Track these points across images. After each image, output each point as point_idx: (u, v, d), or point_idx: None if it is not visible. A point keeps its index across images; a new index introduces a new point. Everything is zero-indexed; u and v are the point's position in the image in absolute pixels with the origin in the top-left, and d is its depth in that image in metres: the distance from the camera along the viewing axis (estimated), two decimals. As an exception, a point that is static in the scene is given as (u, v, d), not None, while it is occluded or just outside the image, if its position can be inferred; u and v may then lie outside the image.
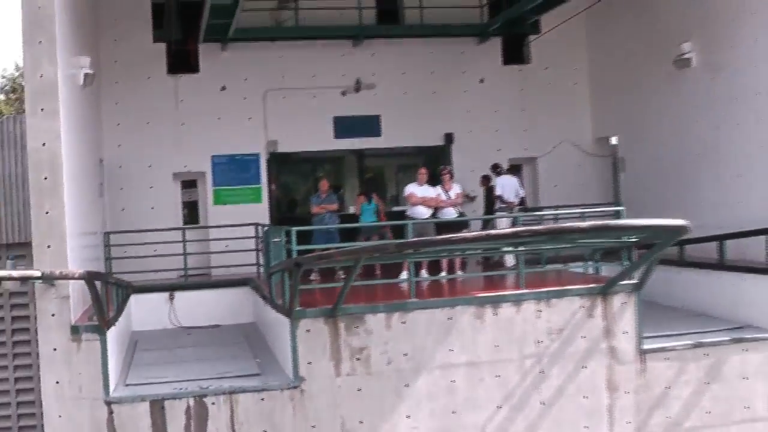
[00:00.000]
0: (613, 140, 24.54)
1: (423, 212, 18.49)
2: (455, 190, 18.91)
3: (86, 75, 17.00)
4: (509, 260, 19.01)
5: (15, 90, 46.43)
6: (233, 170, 23.20)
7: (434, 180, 19.26)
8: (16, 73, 46.57)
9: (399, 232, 16.65)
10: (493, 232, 14.25)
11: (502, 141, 24.22)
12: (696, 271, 18.72)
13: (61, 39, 14.24)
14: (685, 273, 18.98)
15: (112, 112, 21.94)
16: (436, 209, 18.68)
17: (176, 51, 22.94)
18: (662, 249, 14.12)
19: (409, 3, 24.02)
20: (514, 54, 25.14)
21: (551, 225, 17.52)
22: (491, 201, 21.43)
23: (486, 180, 22.16)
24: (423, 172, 19.02)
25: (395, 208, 22.39)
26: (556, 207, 21.87)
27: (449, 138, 24.20)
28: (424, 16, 23.65)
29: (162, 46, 22.77)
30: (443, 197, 18.70)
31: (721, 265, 17.87)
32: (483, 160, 22.63)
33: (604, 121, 24.69)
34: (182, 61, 23.00)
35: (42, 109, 13.76)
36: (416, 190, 18.70)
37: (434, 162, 22.87)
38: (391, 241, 13.02)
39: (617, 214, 16.88)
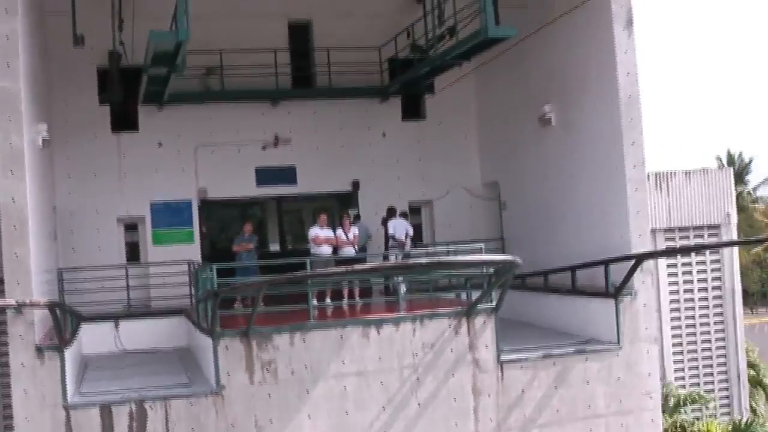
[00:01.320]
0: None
1: (326, 251, 20.45)
2: (353, 231, 20.92)
3: (44, 139, 18.45)
4: (402, 289, 20.30)
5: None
6: (169, 215, 24.75)
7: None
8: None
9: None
10: (356, 267, 16.50)
11: (402, 187, 26.14)
12: (556, 296, 20.89)
13: (25, 113, 16.16)
14: (548, 298, 21.25)
15: (64, 166, 23.53)
16: (337, 248, 20.66)
17: (119, 112, 24.47)
18: (503, 278, 16.55)
19: (320, 69, 25.56)
20: (412, 111, 27.10)
21: (401, 261, 19.57)
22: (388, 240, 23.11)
23: (385, 222, 23.52)
24: (323, 217, 20.99)
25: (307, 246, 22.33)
26: (447, 243, 23.58)
27: (356, 185, 26.10)
28: (332, 80, 25.25)
29: (106, 108, 24.35)
30: (343, 238, 20.71)
31: (574, 290, 20.10)
32: (386, 204, 24.15)
33: (490, 168, 26.46)
34: (124, 121, 24.61)
35: (11, 172, 15.81)
36: (320, 232, 20.61)
37: (343, 206, 24.95)
38: (284, 276, 15.61)
39: (480, 250, 18.61)
